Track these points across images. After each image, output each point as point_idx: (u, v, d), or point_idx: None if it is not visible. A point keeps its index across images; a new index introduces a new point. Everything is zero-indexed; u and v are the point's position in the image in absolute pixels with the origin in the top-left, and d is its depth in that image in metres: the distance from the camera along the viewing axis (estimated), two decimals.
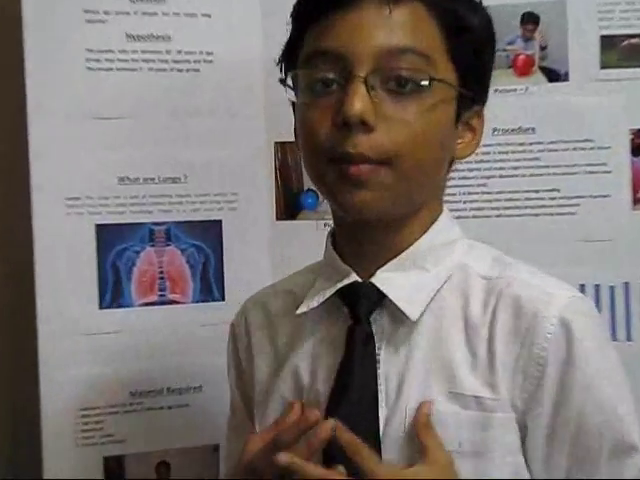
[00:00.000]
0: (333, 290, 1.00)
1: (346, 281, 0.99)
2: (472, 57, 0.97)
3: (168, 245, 1.52)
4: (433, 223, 1.00)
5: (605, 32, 1.47)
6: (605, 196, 1.48)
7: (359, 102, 0.90)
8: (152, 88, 1.50)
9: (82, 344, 1.48)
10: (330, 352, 1.02)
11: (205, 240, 1.54)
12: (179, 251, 1.53)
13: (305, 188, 1.53)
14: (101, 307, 1.50)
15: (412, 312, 0.97)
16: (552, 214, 1.50)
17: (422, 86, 0.93)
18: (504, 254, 1.04)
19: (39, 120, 1.45)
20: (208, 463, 1.53)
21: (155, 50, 1.51)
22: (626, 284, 1.48)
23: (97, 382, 1.49)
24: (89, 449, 1.49)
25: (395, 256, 0.99)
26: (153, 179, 1.51)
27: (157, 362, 1.52)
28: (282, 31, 1.49)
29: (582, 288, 1.47)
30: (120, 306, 1.51)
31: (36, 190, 1.45)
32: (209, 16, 1.52)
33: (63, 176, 1.47)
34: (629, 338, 1.48)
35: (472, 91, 0.97)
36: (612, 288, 1.49)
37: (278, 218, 1.55)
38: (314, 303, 1.02)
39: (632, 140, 1.48)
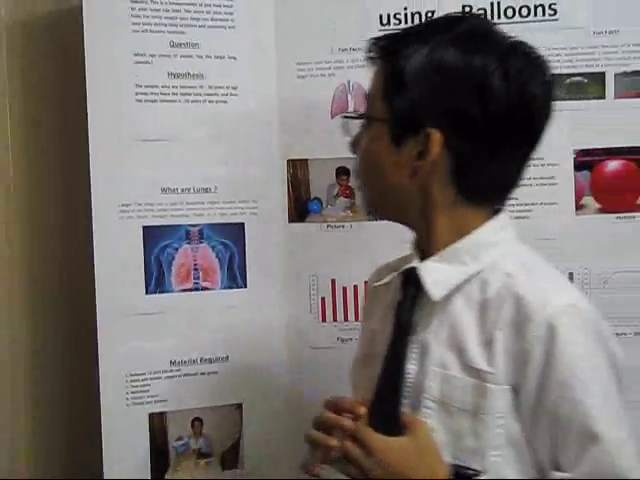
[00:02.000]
0: (400, 271, 1.06)
1: (408, 265, 1.04)
2: (399, 93, 0.99)
3: (201, 243, 1.53)
4: (466, 229, 1.01)
5: (553, 72, 1.48)
6: (553, 203, 1.49)
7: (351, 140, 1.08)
8: (188, 116, 1.52)
9: (132, 323, 1.50)
10: (391, 318, 1.07)
11: (231, 239, 1.54)
12: (210, 248, 1.53)
13: (312, 196, 1.55)
14: (147, 292, 1.51)
15: (435, 294, 1.00)
16: (511, 218, 1.47)
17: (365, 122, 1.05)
18: (543, 260, 1.05)
19: (98, 142, 1.47)
20: (233, 418, 1.55)
21: (191, 85, 1.52)
22: (570, 275, 1.48)
23: (143, 353, 1.51)
24: (137, 407, 1.51)
25: (440, 250, 1.02)
26: (189, 189, 1.52)
27: (192, 337, 1.53)
28: (293, 70, 1.55)
29: None
30: (162, 292, 1.52)
31: (95, 198, 1.47)
32: (235, 58, 1.53)
33: (116, 187, 1.49)
34: None
35: (402, 119, 0.99)
36: None
37: (290, 221, 1.56)
38: (385, 280, 1.09)
39: (575, 158, 1.49)
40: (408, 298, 1.04)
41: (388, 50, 1.02)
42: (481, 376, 0.96)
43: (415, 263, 1.03)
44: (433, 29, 1.02)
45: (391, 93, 1.00)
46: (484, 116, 0.96)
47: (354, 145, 1.08)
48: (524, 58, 0.99)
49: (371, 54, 1.04)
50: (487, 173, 1.00)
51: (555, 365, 0.93)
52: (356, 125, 1.07)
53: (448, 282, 1.00)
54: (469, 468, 0.96)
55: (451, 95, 0.97)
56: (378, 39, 1.04)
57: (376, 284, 1.12)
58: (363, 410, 0.99)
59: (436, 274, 1.01)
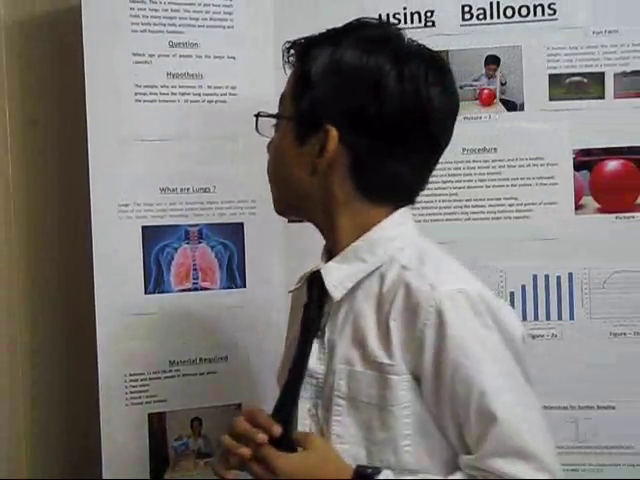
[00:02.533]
0: (306, 276, 1.10)
1: (314, 269, 1.07)
2: (303, 92, 1.02)
3: (200, 243, 1.53)
4: (367, 227, 1.03)
5: (552, 71, 1.49)
6: (553, 203, 1.50)
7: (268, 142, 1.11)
8: (187, 116, 1.52)
9: (131, 322, 1.50)
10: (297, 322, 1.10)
11: (230, 239, 1.55)
12: (209, 248, 1.54)
13: None
14: (146, 292, 1.51)
15: (335, 294, 1.03)
16: (510, 218, 1.51)
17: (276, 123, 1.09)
18: (439, 248, 1.06)
19: (97, 142, 1.47)
20: (233, 418, 1.48)
21: (190, 85, 1.52)
22: (570, 274, 1.50)
23: (143, 353, 1.51)
24: (136, 407, 1.51)
25: (343, 250, 1.05)
26: (188, 189, 1.52)
27: (191, 337, 1.53)
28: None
29: (535, 278, 1.50)
30: (161, 292, 1.52)
31: (94, 198, 1.47)
32: (233, 58, 1.54)
33: (115, 187, 1.49)
34: (572, 318, 1.49)
35: (305, 117, 1.02)
36: (559, 278, 1.50)
37: (289, 221, 1.50)
38: (297, 285, 1.14)
39: (574, 158, 1.49)
40: (314, 300, 1.06)
41: (299, 53, 1.05)
42: (382, 368, 0.98)
43: (320, 265, 1.06)
44: (340, 34, 1.05)
45: (299, 93, 1.03)
46: (379, 115, 0.99)
47: (269, 145, 1.12)
48: (424, 64, 1.01)
49: (287, 59, 1.07)
50: (384, 172, 1.02)
51: (446, 348, 0.95)
52: (269, 127, 1.10)
53: (348, 281, 1.03)
54: (368, 467, 0.97)
55: (348, 94, 1.00)
56: (292, 44, 1.07)
57: (290, 289, 1.16)
58: (277, 430, 0.99)
59: (336, 274, 1.03)
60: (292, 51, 1.07)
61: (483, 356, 0.95)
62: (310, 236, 1.52)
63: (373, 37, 1.03)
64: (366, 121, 0.99)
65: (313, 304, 1.06)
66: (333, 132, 1.00)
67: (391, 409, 0.97)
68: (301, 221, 1.52)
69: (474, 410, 0.94)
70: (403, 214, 1.06)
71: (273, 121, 1.10)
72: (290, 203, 1.11)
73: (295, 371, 1.05)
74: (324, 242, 1.11)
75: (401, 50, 1.01)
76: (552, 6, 1.49)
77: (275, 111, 1.51)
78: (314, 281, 1.06)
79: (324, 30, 1.07)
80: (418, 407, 0.98)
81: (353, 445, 1.00)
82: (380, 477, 0.95)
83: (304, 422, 1.04)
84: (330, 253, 1.08)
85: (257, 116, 1.11)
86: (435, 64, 1.03)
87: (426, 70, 1.00)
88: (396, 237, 1.04)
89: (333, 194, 1.03)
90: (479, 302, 0.97)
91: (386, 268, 1.02)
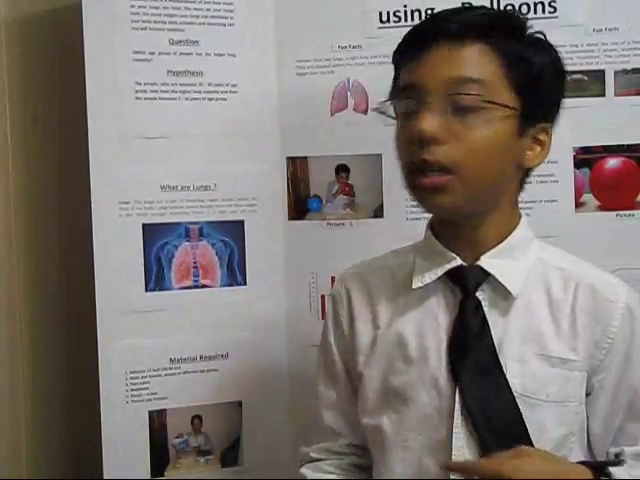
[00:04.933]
0: (444, 270, 1.04)
1: (454, 264, 1.03)
2: (532, 85, 0.99)
3: (201, 240, 1.53)
4: (513, 223, 1.05)
5: None
6: (553, 201, 1.49)
7: (426, 123, 0.95)
8: (188, 114, 1.52)
9: (131, 320, 1.50)
10: (435, 319, 1.05)
11: (231, 236, 1.54)
12: (210, 245, 1.54)
13: (312, 194, 1.56)
14: (147, 290, 1.51)
15: (513, 288, 1.02)
16: None
17: (479, 107, 0.96)
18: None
19: (97, 139, 1.47)
20: (233, 416, 1.55)
21: (190, 83, 1.51)
22: None
23: (143, 351, 1.51)
24: (137, 405, 1.51)
25: (490, 248, 1.03)
26: (189, 187, 1.52)
27: (192, 334, 1.53)
28: (293, 68, 1.55)
29: None
30: (162, 289, 1.52)
31: (95, 196, 1.47)
32: (234, 55, 1.53)
33: (116, 184, 1.49)
34: None
35: (532, 112, 0.99)
36: None
37: (290, 218, 1.56)
38: (427, 280, 1.05)
39: (574, 156, 1.49)
40: (471, 295, 1.03)
41: (506, 31, 0.99)
42: (567, 365, 1.00)
43: (459, 261, 1.03)
44: (520, 21, 1.03)
45: (522, 82, 0.98)
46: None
47: (442, 131, 0.96)
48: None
49: (462, 30, 0.97)
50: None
51: (637, 340, 1.01)
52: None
53: (518, 276, 1.02)
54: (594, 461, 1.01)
55: (562, 91, 1.04)
56: (477, 15, 1.00)
57: (417, 285, 1.06)
58: None
59: (503, 269, 1.02)
60: (476, 24, 0.98)
61: None
62: (310, 234, 1.56)
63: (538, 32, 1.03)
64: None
65: (472, 299, 1.03)
66: (550, 131, 1.03)
67: (569, 405, 1.00)
68: (302, 219, 1.56)
69: None
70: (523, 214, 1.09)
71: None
72: (479, 199, 1.00)
73: (477, 368, 1.01)
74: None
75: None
76: (552, 4, 1.49)
77: (275, 109, 1.54)
78: (462, 276, 1.03)
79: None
80: (582, 403, 1.02)
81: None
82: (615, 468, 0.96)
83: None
84: (465, 252, 1.04)
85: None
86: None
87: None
88: (533, 237, 1.08)
89: (513, 191, 1.05)
90: None
91: (541, 269, 1.04)
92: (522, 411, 0.99)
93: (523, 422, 0.99)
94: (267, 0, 1.54)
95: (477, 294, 1.03)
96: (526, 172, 1.06)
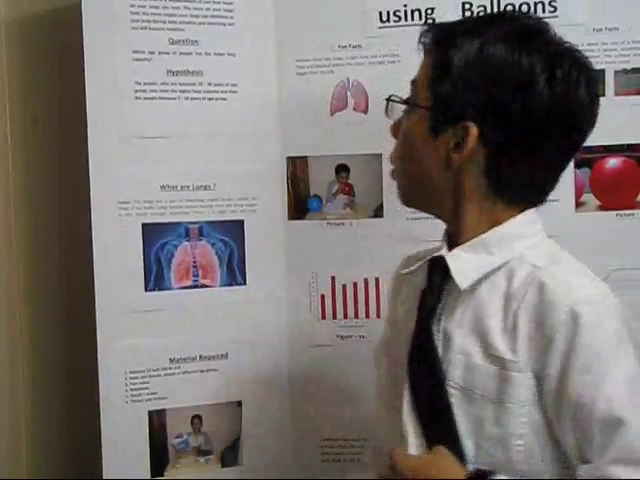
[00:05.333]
0: (426, 259, 1.07)
1: (436, 254, 1.05)
2: (442, 83, 1.00)
3: (200, 240, 1.53)
4: (495, 220, 1.03)
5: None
6: (553, 200, 1.42)
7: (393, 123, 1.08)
8: (188, 113, 1.52)
9: (131, 320, 1.50)
10: (415, 305, 1.08)
11: (230, 236, 1.54)
12: (209, 245, 1.54)
13: (312, 194, 1.56)
14: (146, 290, 1.51)
15: (462, 282, 1.02)
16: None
17: (406, 108, 1.06)
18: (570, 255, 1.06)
19: (97, 139, 1.47)
20: (233, 416, 1.55)
21: (190, 83, 1.51)
22: None
23: (143, 350, 1.51)
24: (136, 405, 1.51)
25: (468, 240, 1.03)
26: (188, 186, 1.52)
27: (191, 334, 1.53)
28: (293, 67, 1.55)
29: None
30: (161, 289, 1.52)
31: (94, 195, 1.47)
32: (234, 55, 1.53)
33: (116, 184, 1.49)
34: None
35: (442, 110, 1.00)
36: None
37: (290, 218, 1.56)
38: (412, 268, 1.10)
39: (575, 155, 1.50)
40: (434, 286, 1.05)
41: (439, 39, 1.02)
42: (504, 364, 0.97)
43: (443, 252, 1.04)
44: (486, 24, 1.02)
45: (436, 82, 1.01)
46: (524, 116, 0.96)
47: (395, 129, 1.08)
48: (571, 62, 0.99)
49: (423, 42, 1.05)
50: (520, 173, 1.00)
51: (577, 350, 0.93)
52: (399, 110, 1.07)
53: (475, 271, 1.02)
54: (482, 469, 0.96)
55: (494, 90, 0.97)
56: (431, 27, 1.05)
57: (404, 271, 1.13)
58: None
59: (463, 263, 1.02)
60: (429, 35, 1.04)
61: (614, 363, 0.93)
62: (310, 234, 1.56)
63: (523, 32, 0.99)
64: (509, 121, 0.97)
65: (433, 290, 1.05)
66: (474, 129, 0.98)
67: (509, 406, 0.97)
68: (302, 219, 1.55)
69: (600, 416, 0.91)
70: (532, 213, 1.05)
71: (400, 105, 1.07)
72: (415, 192, 1.08)
73: (421, 362, 1.03)
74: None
75: (552, 48, 0.99)
76: (552, 3, 1.49)
77: (274, 109, 1.55)
78: (435, 267, 1.05)
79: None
80: (533, 407, 0.97)
81: (462, 438, 0.99)
82: (497, 477, 0.94)
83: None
84: (451, 243, 1.06)
85: (388, 100, 1.08)
86: (583, 62, 1.01)
87: (577, 70, 0.99)
88: (527, 235, 1.04)
89: (465, 189, 1.02)
90: (613, 308, 0.97)
91: (515, 265, 1.01)
92: (462, 404, 0.99)
93: (450, 415, 1.00)
94: (267, 0, 1.54)
95: (444, 284, 1.04)
96: (491, 174, 1.01)
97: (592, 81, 1.01)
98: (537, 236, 1.06)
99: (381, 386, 1.20)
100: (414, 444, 1.02)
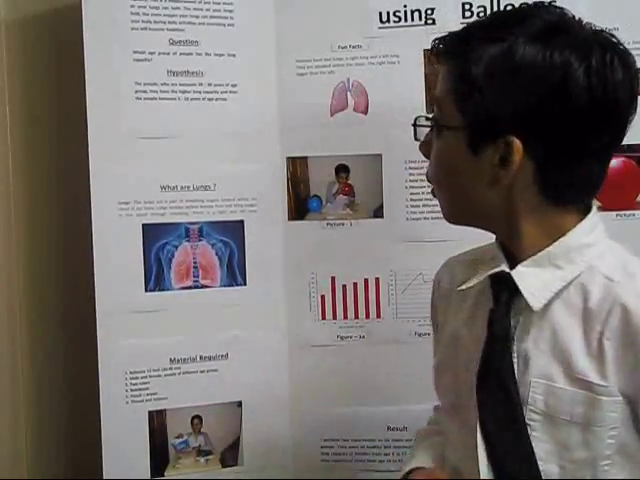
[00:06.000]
0: (485, 275, 1.00)
1: (497, 269, 0.98)
2: (471, 100, 0.93)
3: (200, 240, 1.53)
4: (557, 231, 0.96)
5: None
6: None
7: (421, 142, 1.02)
8: (188, 114, 1.52)
9: (131, 320, 1.50)
10: (479, 323, 1.02)
11: (231, 236, 1.55)
12: (209, 245, 1.54)
13: (311, 194, 1.55)
14: (146, 290, 1.51)
15: (535, 303, 0.96)
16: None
17: (434, 127, 0.99)
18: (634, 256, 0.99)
19: (97, 140, 1.47)
20: (233, 416, 1.55)
21: (190, 83, 1.51)
22: None
23: (143, 351, 1.51)
24: (137, 405, 1.51)
25: (532, 255, 0.97)
26: (189, 187, 1.52)
27: (191, 334, 1.53)
28: (293, 68, 1.55)
29: None
30: (162, 289, 1.52)
31: (95, 196, 1.47)
32: (234, 56, 1.53)
33: (116, 185, 1.49)
34: None
35: (477, 127, 0.93)
36: None
37: (290, 219, 1.56)
38: (470, 284, 1.03)
39: None
40: (502, 304, 0.98)
41: (456, 51, 0.96)
42: (592, 388, 0.93)
43: (504, 267, 0.98)
44: (502, 25, 0.95)
45: (463, 98, 0.94)
46: (566, 116, 0.90)
47: (425, 149, 1.02)
48: (608, 51, 0.93)
49: (437, 54, 0.98)
50: (571, 173, 0.95)
51: None
52: (425, 129, 1.02)
53: (547, 289, 0.96)
54: None
55: (529, 96, 0.90)
56: (443, 38, 0.98)
57: (463, 287, 1.04)
58: None
59: (532, 280, 0.96)
60: (443, 46, 0.97)
61: None
62: (310, 235, 1.56)
63: (547, 27, 0.93)
64: (553, 124, 0.91)
65: (501, 309, 0.98)
66: (517, 144, 0.91)
67: (596, 429, 0.93)
68: (302, 219, 1.55)
69: None
70: (595, 216, 0.99)
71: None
72: (463, 213, 1.01)
73: (498, 387, 0.97)
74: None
75: (579, 38, 0.93)
76: (552, 3, 1.48)
77: (274, 109, 1.55)
78: (501, 284, 0.98)
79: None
80: (624, 429, 0.93)
81: (545, 462, 0.95)
82: None
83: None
84: (508, 257, 0.99)
85: (415, 126, 1.02)
86: (617, 48, 0.94)
87: (611, 57, 0.92)
88: (591, 244, 0.97)
89: (517, 204, 0.96)
90: None
91: (586, 278, 0.95)
92: (544, 428, 0.95)
93: (528, 443, 0.96)
94: (267, 0, 1.54)
95: (512, 302, 0.98)
96: (541, 183, 0.95)
97: (629, 63, 0.94)
98: (603, 242, 0.99)
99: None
100: (485, 474, 0.98)
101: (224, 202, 1.54)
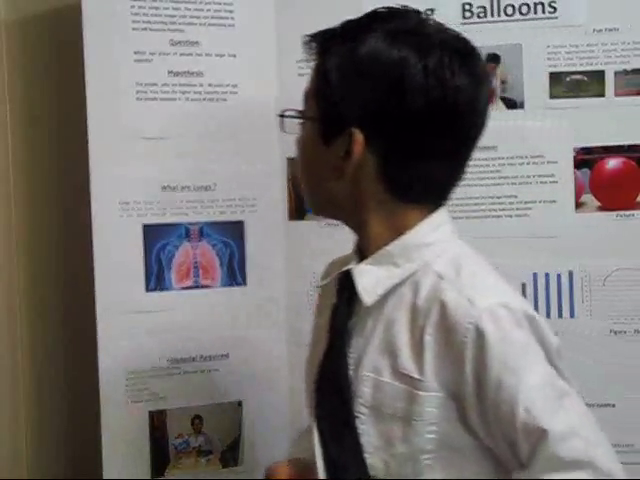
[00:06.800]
0: (336, 273, 1.04)
1: (345, 267, 1.02)
2: (322, 91, 0.98)
3: (201, 241, 1.54)
4: (398, 230, 0.98)
5: (553, 70, 1.49)
6: (553, 201, 1.50)
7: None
8: (188, 114, 1.52)
9: (131, 320, 1.50)
10: (325, 318, 1.07)
11: (231, 237, 1.55)
12: (210, 245, 1.54)
13: None
14: (147, 290, 1.52)
15: (367, 299, 0.98)
16: (511, 216, 1.51)
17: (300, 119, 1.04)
18: (476, 253, 1.01)
19: (98, 140, 1.48)
20: (233, 416, 1.56)
21: (191, 84, 1.52)
22: (570, 272, 1.50)
23: (143, 351, 1.51)
24: (137, 405, 1.51)
25: (375, 252, 1.00)
26: (189, 187, 1.53)
27: (191, 334, 1.53)
28: (293, 68, 1.55)
29: (535, 276, 1.50)
30: (162, 289, 1.52)
31: (95, 196, 1.47)
32: (234, 56, 1.54)
33: (116, 185, 1.49)
34: (572, 315, 1.50)
35: (327, 118, 0.97)
36: (559, 276, 1.50)
37: (290, 219, 1.56)
38: (325, 282, 1.09)
39: (575, 156, 1.49)
40: (343, 301, 1.02)
41: (319, 48, 1.00)
42: (412, 383, 0.94)
43: (352, 264, 1.01)
44: (362, 25, 0.98)
45: (320, 92, 0.99)
46: (404, 113, 0.93)
47: (296, 142, 1.06)
48: (450, 53, 0.94)
49: (308, 51, 1.02)
50: (414, 171, 0.96)
51: (487, 366, 0.90)
52: (295, 123, 1.05)
53: (380, 286, 0.98)
54: None
55: (369, 92, 0.94)
56: (313, 36, 1.02)
57: (321, 283, 1.12)
58: None
59: (368, 278, 0.99)
60: (311, 44, 1.01)
61: (525, 370, 0.90)
62: (310, 235, 1.55)
63: (393, 29, 0.96)
64: (392, 120, 0.93)
65: (342, 305, 1.02)
66: (358, 135, 0.94)
67: (414, 424, 0.94)
68: (302, 219, 1.55)
69: (521, 428, 0.88)
70: (440, 216, 1.00)
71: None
72: (321, 205, 1.06)
73: (333, 380, 1.01)
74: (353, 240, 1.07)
75: (425, 41, 0.94)
76: (552, 4, 1.49)
77: (275, 110, 1.54)
78: (345, 280, 1.02)
79: (326, 26, 1.04)
80: (446, 424, 0.93)
81: (372, 455, 0.97)
82: None
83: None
84: (361, 253, 1.03)
85: (281, 116, 1.06)
86: (463, 52, 0.95)
87: (452, 60, 0.93)
88: (433, 243, 0.99)
89: (363, 197, 0.98)
90: (517, 316, 0.92)
91: (420, 276, 0.97)
92: (371, 422, 0.97)
93: (356, 437, 0.97)
94: (267, 1, 1.54)
95: (354, 298, 1.00)
96: (384, 177, 0.97)
97: (477, 72, 0.96)
98: (447, 242, 1.00)
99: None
100: (321, 467, 1.01)
101: (224, 202, 1.54)
